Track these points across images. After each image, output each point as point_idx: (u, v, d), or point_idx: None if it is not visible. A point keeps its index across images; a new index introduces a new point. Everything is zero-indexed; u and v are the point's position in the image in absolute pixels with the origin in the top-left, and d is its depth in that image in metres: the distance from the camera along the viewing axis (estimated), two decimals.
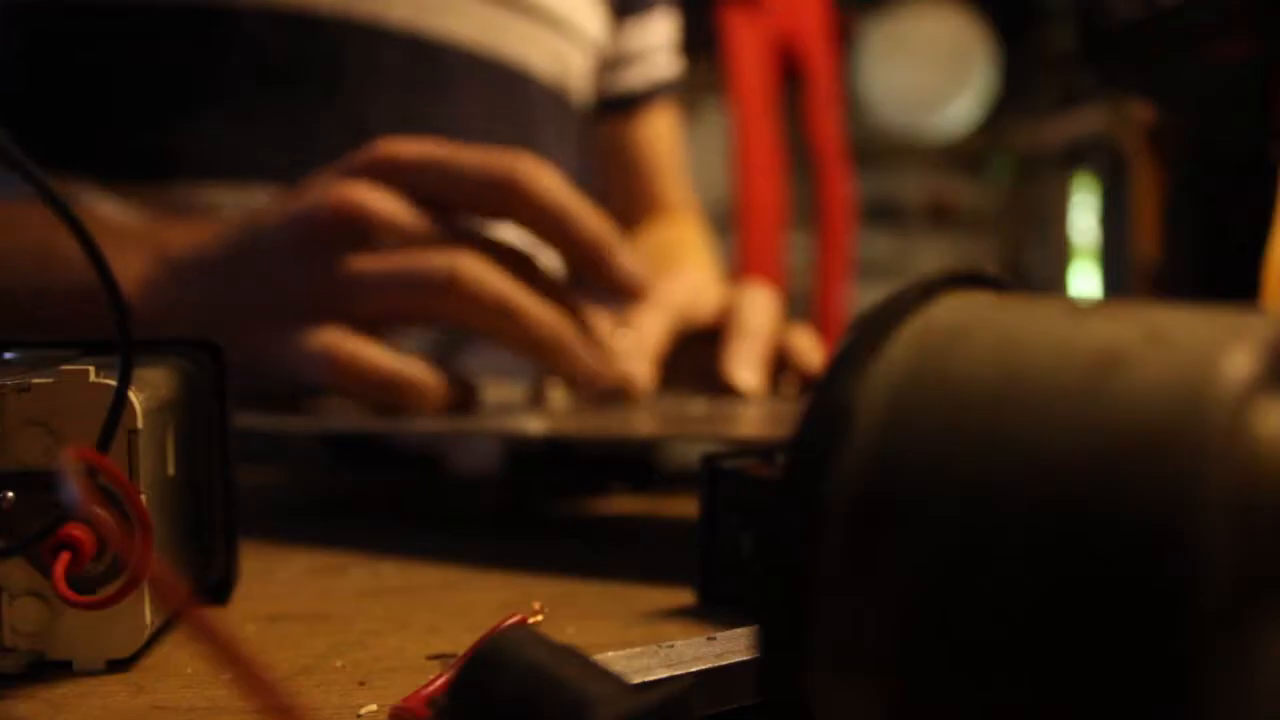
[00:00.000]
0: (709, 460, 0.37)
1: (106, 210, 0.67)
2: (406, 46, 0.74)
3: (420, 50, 0.75)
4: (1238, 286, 0.59)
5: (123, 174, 0.73)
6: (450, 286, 0.52)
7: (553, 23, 0.81)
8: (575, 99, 0.87)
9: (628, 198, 0.97)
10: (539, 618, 0.33)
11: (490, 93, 0.79)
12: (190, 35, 0.73)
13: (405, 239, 0.53)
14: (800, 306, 2.48)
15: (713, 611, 0.36)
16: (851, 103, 3.10)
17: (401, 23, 0.74)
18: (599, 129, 0.95)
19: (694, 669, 0.27)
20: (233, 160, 0.72)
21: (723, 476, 0.37)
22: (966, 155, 3.57)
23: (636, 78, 0.94)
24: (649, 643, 0.29)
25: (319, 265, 0.53)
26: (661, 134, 0.98)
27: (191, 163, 0.73)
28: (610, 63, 0.92)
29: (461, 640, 0.32)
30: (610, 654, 0.28)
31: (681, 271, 0.67)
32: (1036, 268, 3.53)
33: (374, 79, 0.74)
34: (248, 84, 0.73)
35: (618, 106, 0.94)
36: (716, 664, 0.27)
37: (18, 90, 0.75)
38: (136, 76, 0.75)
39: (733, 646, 0.28)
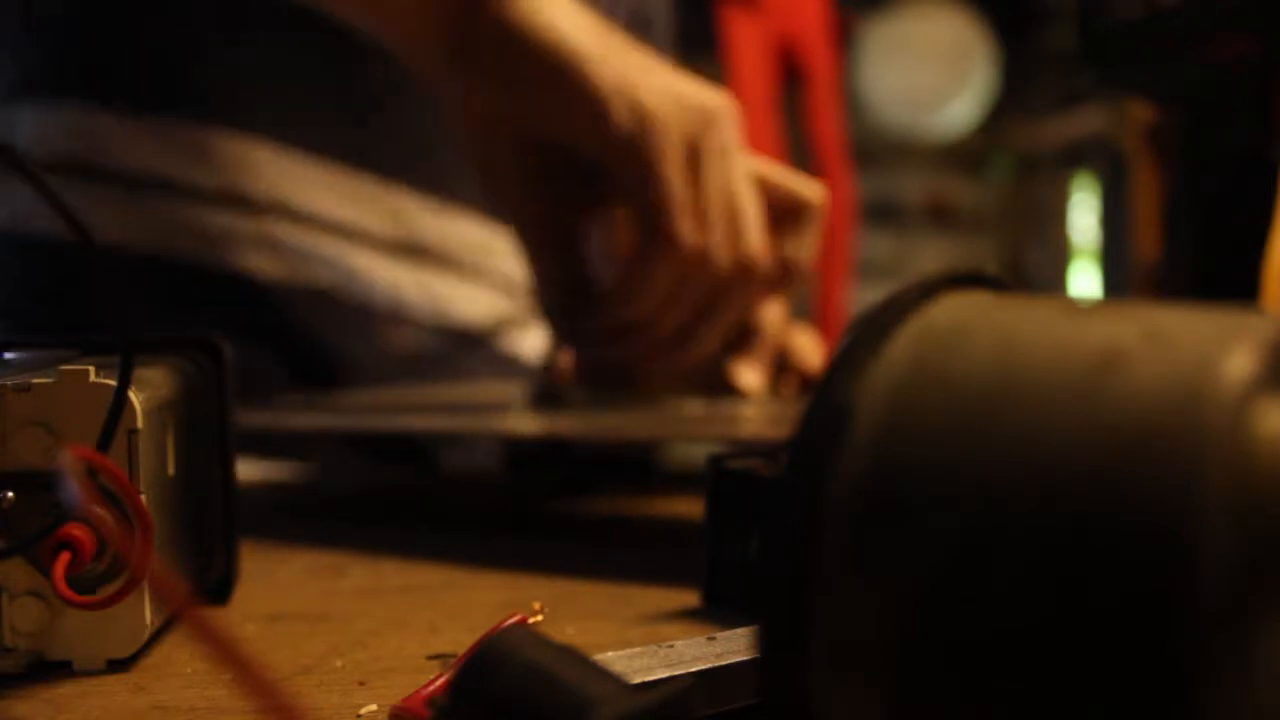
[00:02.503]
0: (715, 461, 0.37)
1: None
2: None
3: None
4: (1238, 286, 0.59)
5: (155, 108, 0.72)
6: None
7: None
8: None
9: None
10: (539, 618, 0.33)
11: None
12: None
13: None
14: (800, 306, 2.47)
15: (713, 611, 0.36)
16: (851, 103, 3.09)
17: None
18: None
19: (694, 669, 0.27)
20: (271, 119, 0.71)
21: (728, 477, 0.37)
22: (966, 155, 3.56)
23: None
24: (649, 643, 0.29)
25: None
26: None
27: (225, 108, 0.71)
28: None
29: (461, 640, 0.32)
30: (610, 654, 0.28)
31: None
32: (1036, 268, 3.53)
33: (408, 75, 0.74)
34: (292, 37, 0.71)
35: None
36: (716, 664, 0.27)
37: (54, 12, 0.74)
38: (179, 7, 0.74)
39: (733, 646, 0.28)
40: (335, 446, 0.71)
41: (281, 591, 0.39)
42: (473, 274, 0.75)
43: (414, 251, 0.73)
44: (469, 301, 0.75)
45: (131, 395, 0.29)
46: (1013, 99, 3.46)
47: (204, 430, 0.36)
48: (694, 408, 0.58)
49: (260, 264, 0.70)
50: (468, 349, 0.75)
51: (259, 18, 0.71)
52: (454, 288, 0.74)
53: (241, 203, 0.70)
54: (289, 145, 0.71)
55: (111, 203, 0.69)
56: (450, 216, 0.74)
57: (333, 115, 0.72)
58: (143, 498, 0.30)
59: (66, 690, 0.29)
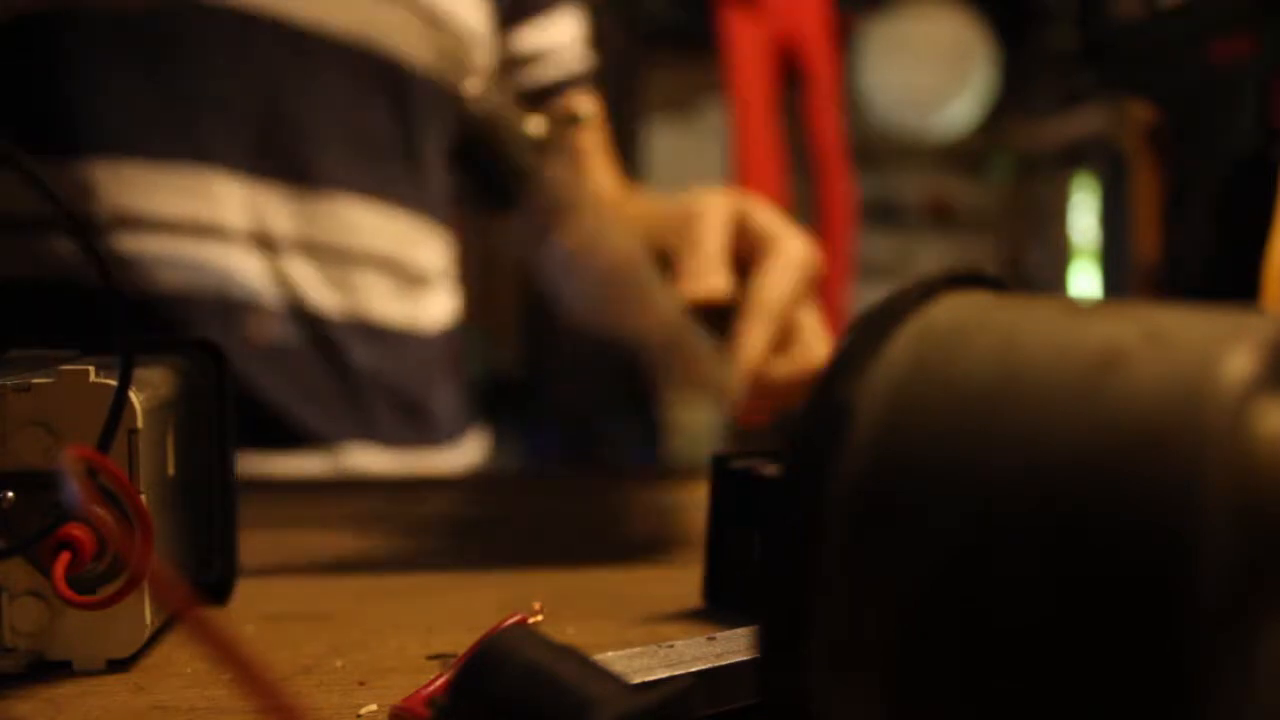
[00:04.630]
0: (716, 460, 0.37)
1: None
2: (271, 30, 0.75)
3: (285, 35, 0.75)
4: (1238, 286, 0.59)
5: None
6: None
7: (431, 18, 0.81)
8: (460, 86, 0.85)
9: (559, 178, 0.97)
10: (539, 618, 0.33)
11: (361, 82, 0.78)
12: (55, 18, 0.73)
13: None
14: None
15: (713, 611, 0.36)
16: (851, 103, 3.09)
17: (267, 6, 0.74)
18: None
19: (694, 669, 0.27)
20: (98, 133, 0.72)
21: (729, 477, 0.36)
22: (966, 155, 3.56)
23: (545, 73, 0.94)
24: (649, 643, 0.29)
25: None
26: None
27: (58, 135, 0.72)
28: (515, 62, 0.92)
29: (461, 640, 0.32)
30: (610, 654, 0.28)
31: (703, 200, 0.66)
32: (1036, 268, 3.53)
33: (239, 61, 0.73)
34: (114, 62, 0.72)
35: (532, 101, 0.94)
36: (716, 664, 0.27)
37: None
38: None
39: (733, 646, 0.28)
40: None
41: (281, 591, 0.39)
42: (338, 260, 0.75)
43: (266, 243, 0.73)
44: (327, 287, 0.75)
45: (132, 395, 0.29)
46: (1013, 99, 3.45)
47: (204, 430, 0.36)
48: None
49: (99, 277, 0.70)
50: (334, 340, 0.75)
51: (81, 64, 0.72)
52: (309, 274, 0.74)
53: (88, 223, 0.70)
54: (123, 158, 0.71)
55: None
56: (311, 201, 0.74)
57: (169, 122, 0.72)
58: (143, 498, 0.30)
59: (66, 690, 0.29)
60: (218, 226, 0.71)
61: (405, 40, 0.79)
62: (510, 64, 0.93)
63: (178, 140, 0.71)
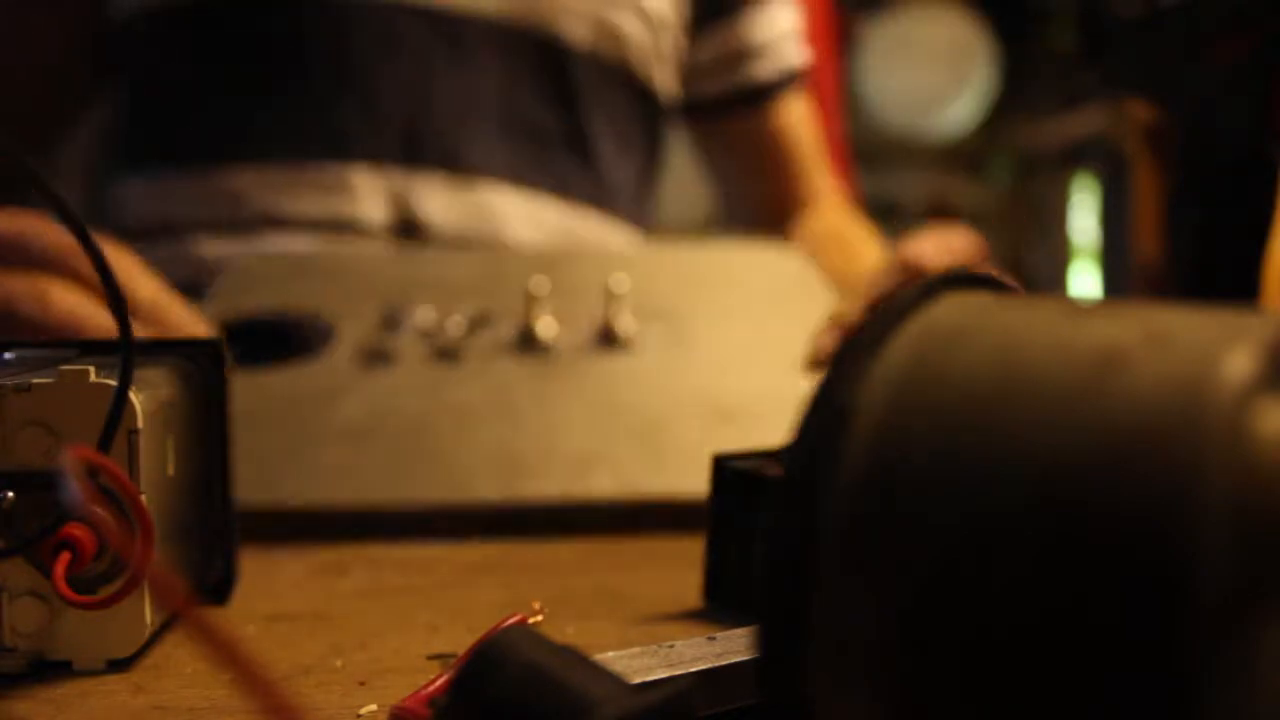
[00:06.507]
0: (717, 461, 0.37)
1: None
2: (422, 18, 0.74)
3: (437, 21, 0.74)
4: (1238, 286, 0.59)
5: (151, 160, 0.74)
6: None
7: None
8: (640, 73, 0.82)
9: (776, 190, 0.95)
10: (539, 618, 0.33)
11: (515, 64, 0.76)
12: (199, 17, 0.74)
13: None
14: None
15: (712, 611, 0.36)
16: (851, 103, 3.09)
17: None
18: (729, 124, 0.93)
19: (694, 669, 0.27)
20: (245, 141, 0.72)
21: (730, 477, 0.36)
22: (966, 155, 3.56)
23: (764, 69, 0.91)
24: (649, 643, 0.29)
25: None
26: (797, 121, 0.95)
27: (209, 146, 0.73)
28: (735, 56, 0.90)
29: (461, 640, 0.32)
30: (610, 654, 0.28)
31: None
32: (1036, 268, 3.53)
33: (388, 54, 0.73)
34: (256, 65, 0.73)
35: (749, 100, 0.92)
36: (716, 664, 0.27)
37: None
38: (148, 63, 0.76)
39: (733, 646, 0.28)
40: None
41: (281, 591, 0.39)
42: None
43: (411, 234, 0.73)
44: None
45: (132, 395, 0.29)
46: (1013, 99, 3.45)
47: (204, 430, 0.36)
48: None
49: None
50: None
51: (223, 69, 0.74)
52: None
53: (235, 226, 0.72)
54: (270, 162, 0.72)
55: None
56: (465, 190, 0.74)
57: (312, 125, 0.73)
58: (143, 498, 0.30)
59: (66, 690, 0.29)
60: (355, 221, 0.71)
61: (561, 17, 0.77)
62: (726, 59, 0.90)
63: (319, 139, 0.72)
